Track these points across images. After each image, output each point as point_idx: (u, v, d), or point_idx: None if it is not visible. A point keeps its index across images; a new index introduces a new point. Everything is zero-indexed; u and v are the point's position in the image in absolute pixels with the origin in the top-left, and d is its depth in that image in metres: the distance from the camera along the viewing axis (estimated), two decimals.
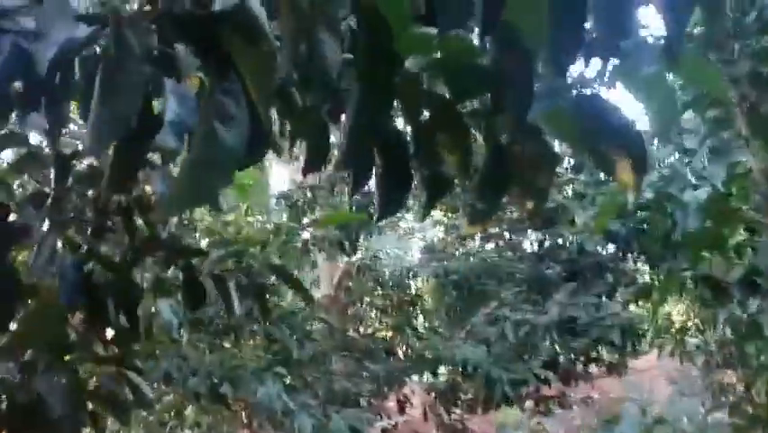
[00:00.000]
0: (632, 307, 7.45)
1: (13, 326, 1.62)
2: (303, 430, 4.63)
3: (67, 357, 1.67)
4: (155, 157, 1.63)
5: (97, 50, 0.94)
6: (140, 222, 1.73)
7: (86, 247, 1.67)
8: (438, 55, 1.06)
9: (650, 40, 1.08)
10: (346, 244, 6.58)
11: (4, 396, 1.66)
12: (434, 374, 7.66)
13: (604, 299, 7.51)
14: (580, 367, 7.77)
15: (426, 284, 8.54)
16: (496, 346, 7.05)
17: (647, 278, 7.05)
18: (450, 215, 8.34)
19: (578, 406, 7.98)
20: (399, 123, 1.21)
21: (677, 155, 4.21)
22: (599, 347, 7.58)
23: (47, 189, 1.70)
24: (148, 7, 0.97)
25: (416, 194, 1.33)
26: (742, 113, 3.38)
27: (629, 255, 7.04)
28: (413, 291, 8.39)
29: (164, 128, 0.98)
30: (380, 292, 8.14)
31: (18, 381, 1.63)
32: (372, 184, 1.19)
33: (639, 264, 7.33)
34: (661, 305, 5.57)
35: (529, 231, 8.25)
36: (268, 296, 2.51)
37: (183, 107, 0.99)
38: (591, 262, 7.66)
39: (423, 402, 7.80)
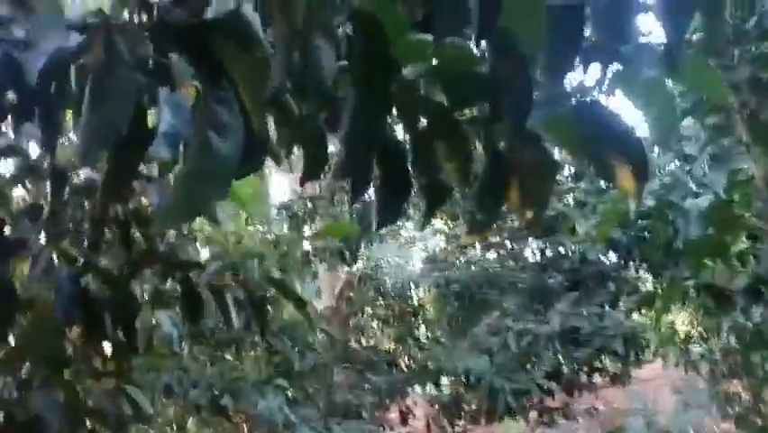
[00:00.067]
0: (635, 315, 7.41)
1: (10, 339, 1.60)
2: None
3: (64, 372, 1.65)
4: (153, 169, 1.62)
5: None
6: (137, 234, 1.72)
7: (82, 260, 1.66)
8: (435, 62, 1.05)
9: (649, 45, 1.07)
10: (347, 253, 6.55)
11: (1, 412, 1.64)
12: (437, 385, 7.60)
13: (607, 308, 7.47)
14: (583, 377, 7.72)
15: (428, 294, 8.51)
16: (498, 357, 7.00)
17: (650, 286, 7.02)
18: (451, 223, 8.33)
19: (582, 417, 7.92)
20: (399, 131, 1.20)
21: (677, 162, 4.20)
22: (603, 357, 7.53)
23: (42, 202, 1.69)
24: (142, 16, 0.97)
25: (416, 202, 1.32)
26: (742, 119, 3.37)
27: (631, 264, 7.01)
28: (414, 301, 8.36)
29: (158, 139, 0.97)
30: (382, 302, 8.11)
31: (15, 397, 1.61)
32: (372, 193, 1.17)
33: (641, 273, 7.29)
34: (664, 313, 5.54)
35: (530, 240, 8.22)
36: (269, 307, 2.49)
37: (177, 118, 0.97)
38: (593, 271, 7.62)
39: (425, 414, 7.74)
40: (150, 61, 0.94)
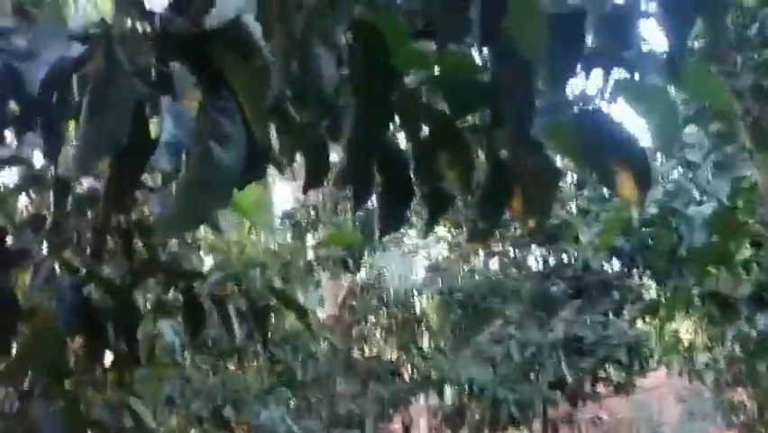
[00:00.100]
0: (639, 324, 7.37)
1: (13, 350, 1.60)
2: None
3: (66, 382, 1.65)
4: (156, 178, 1.62)
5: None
6: (140, 244, 1.71)
7: (85, 270, 1.65)
8: (436, 70, 1.05)
9: (651, 53, 1.07)
10: (350, 262, 6.55)
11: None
12: (440, 395, 7.57)
13: (610, 316, 7.45)
14: (587, 387, 7.68)
15: (431, 302, 8.49)
16: (502, 366, 6.97)
17: (653, 294, 6.99)
18: (454, 231, 8.32)
19: (586, 426, 7.87)
20: (402, 139, 1.20)
21: (680, 170, 4.19)
22: (607, 366, 7.50)
23: (45, 212, 1.69)
24: (144, 26, 0.97)
25: (419, 210, 1.32)
26: (745, 126, 3.37)
27: (635, 271, 6.99)
28: (417, 310, 8.34)
29: (160, 149, 0.97)
30: (385, 311, 8.09)
31: (16, 408, 1.60)
32: (375, 201, 1.17)
33: (645, 280, 7.27)
34: (668, 322, 5.51)
35: (533, 247, 8.21)
36: (272, 315, 2.48)
37: (179, 127, 0.97)
38: (597, 279, 7.61)
39: (429, 424, 7.70)
40: (153, 71, 0.94)
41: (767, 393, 4.56)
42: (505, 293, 7.72)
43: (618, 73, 1.10)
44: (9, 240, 1.59)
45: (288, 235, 6.80)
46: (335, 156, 1.22)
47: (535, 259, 8.38)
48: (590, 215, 5.74)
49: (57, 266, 1.59)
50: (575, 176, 7.12)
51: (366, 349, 8.01)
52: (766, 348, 3.96)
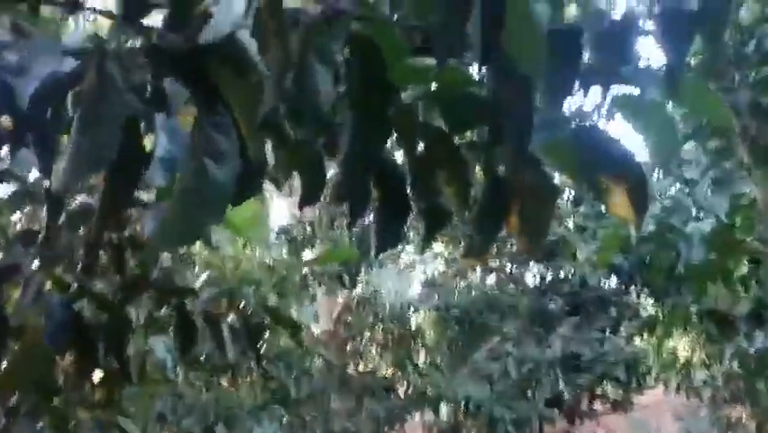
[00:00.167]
0: (636, 340, 7.35)
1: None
2: None
3: (54, 401, 1.62)
4: (151, 195, 1.60)
5: None
6: (132, 260, 1.70)
7: (76, 285, 1.63)
8: (434, 86, 1.04)
9: (649, 69, 1.07)
10: (346, 277, 6.52)
11: None
12: (436, 413, 7.50)
13: (608, 333, 7.42)
14: (584, 404, 7.62)
15: (427, 318, 8.45)
16: (499, 384, 6.92)
17: (651, 311, 6.97)
18: (451, 247, 8.31)
19: None
20: (399, 155, 1.19)
21: (677, 186, 4.19)
22: (604, 383, 7.45)
23: (38, 227, 1.67)
24: (139, 41, 0.96)
25: (416, 226, 1.31)
26: (743, 142, 3.37)
27: (632, 288, 6.97)
28: (413, 326, 8.29)
29: (154, 164, 0.96)
30: (381, 327, 8.04)
31: (2, 426, 1.57)
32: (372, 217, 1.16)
33: (642, 298, 7.25)
34: (666, 339, 5.49)
35: (531, 264, 8.19)
36: (266, 333, 2.45)
37: (174, 143, 0.96)
38: (594, 296, 7.59)
39: None
40: (148, 87, 0.93)
41: (766, 411, 4.53)
42: (502, 309, 7.69)
43: (616, 89, 1.10)
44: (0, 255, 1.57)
45: (284, 251, 6.77)
46: (331, 171, 1.21)
47: (533, 275, 8.36)
48: (588, 231, 5.73)
49: (47, 283, 1.57)
50: (572, 192, 7.13)
51: (361, 365, 7.95)
52: (766, 366, 3.94)
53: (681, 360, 6.41)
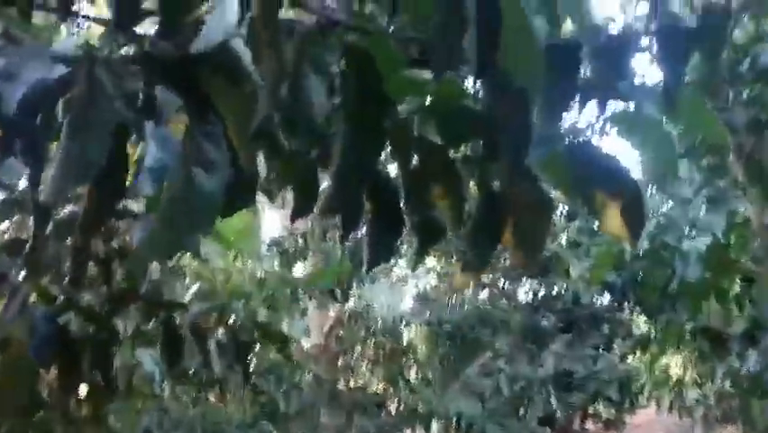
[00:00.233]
0: (629, 358, 7.32)
1: None
2: None
3: (37, 416, 1.58)
4: (140, 205, 1.58)
5: None
6: (120, 272, 1.67)
7: (62, 297, 1.60)
8: (429, 99, 1.03)
9: (646, 86, 1.06)
10: (338, 291, 6.47)
11: None
12: (427, 430, 7.43)
13: (601, 350, 7.39)
14: (576, 424, 7.58)
15: (419, 333, 8.40)
16: (491, 401, 6.87)
17: (644, 329, 6.96)
18: (443, 261, 8.28)
19: None
20: (393, 168, 1.18)
21: (671, 204, 4.20)
22: (597, 402, 7.41)
23: (25, 236, 1.64)
24: (130, 49, 0.95)
25: (409, 239, 1.29)
26: (738, 160, 3.39)
27: (625, 305, 6.96)
28: (405, 341, 8.24)
29: (143, 174, 0.94)
30: (372, 341, 7.98)
31: None
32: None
33: (635, 315, 7.24)
34: (660, 357, 5.48)
35: (523, 279, 8.18)
36: (256, 347, 2.42)
37: (164, 152, 0.95)
38: (587, 313, 7.57)
39: None
40: (140, 95, 0.91)
41: (758, 431, 4.52)
42: (494, 324, 7.65)
43: (613, 105, 1.09)
44: None
45: (276, 263, 6.72)
46: (324, 183, 1.19)
47: (525, 291, 8.34)
48: (581, 248, 5.73)
49: (32, 295, 1.54)
50: (566, 208, 7.13)
51: (352, 380, 7.87)
52: (759, 385, 3.93)
53: (674, 378, 6.39)
